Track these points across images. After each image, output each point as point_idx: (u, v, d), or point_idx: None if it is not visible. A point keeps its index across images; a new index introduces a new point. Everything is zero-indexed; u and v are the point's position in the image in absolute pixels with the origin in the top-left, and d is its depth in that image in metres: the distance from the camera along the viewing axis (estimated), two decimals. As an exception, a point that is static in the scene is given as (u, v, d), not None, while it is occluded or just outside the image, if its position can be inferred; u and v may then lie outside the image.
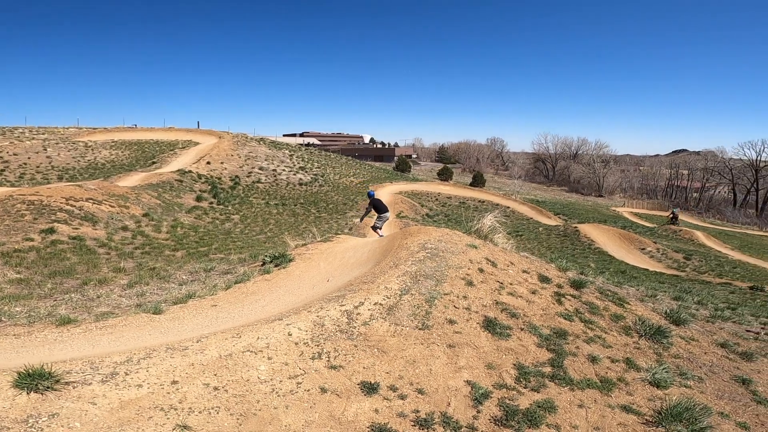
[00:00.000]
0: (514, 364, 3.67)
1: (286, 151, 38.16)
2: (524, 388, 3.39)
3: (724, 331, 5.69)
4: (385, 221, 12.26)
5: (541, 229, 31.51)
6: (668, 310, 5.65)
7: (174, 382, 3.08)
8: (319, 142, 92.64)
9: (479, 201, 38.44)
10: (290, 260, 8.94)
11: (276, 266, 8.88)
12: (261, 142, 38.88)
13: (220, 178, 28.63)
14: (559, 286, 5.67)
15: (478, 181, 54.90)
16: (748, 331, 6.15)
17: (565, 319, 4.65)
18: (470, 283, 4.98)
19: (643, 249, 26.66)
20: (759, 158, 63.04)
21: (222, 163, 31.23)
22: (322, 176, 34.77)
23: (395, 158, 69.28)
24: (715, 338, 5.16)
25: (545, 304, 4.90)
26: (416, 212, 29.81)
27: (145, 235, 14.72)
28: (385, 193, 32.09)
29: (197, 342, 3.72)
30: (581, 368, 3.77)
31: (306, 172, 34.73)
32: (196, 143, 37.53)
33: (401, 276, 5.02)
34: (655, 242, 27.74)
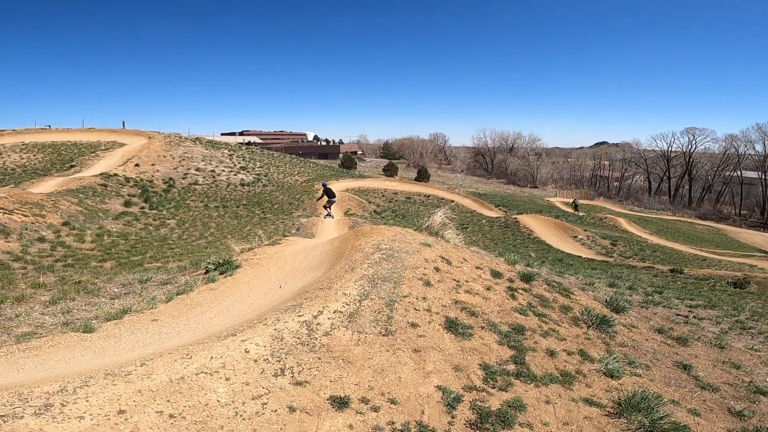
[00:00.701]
0: (480, 365, 3.71)
1: (225, 151, 36.29)
2: (493, 388, 3.42)
3: (657, 316, 6.20)
4: (332, 204, 19.48)
5: (484, 221, 32.82)
6: (608, 299, 6.05)
7: (121, 412, 2.73)
8: (260, 141, 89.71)
9: (425, 196, 39.22)
10: (237, 267, 8.46)
11: (221, 274, 8.36)
12: (197, 142, 36.62)
13: (151, 181, 26.52)
14: (511, 281, 5.86)
15: (422, 176, 56.05)
16: (678, 315, 6.76)
17: (521, 314, 4.79)
18: (428, 284, 4.97)
19: (576, 237, 28.76)
20: (670, 149, 70.51)
21: (153, 164, 28.96)
22: (265, 176, 33.51)
23: (340, 155, 68.83)
24: (651, 324, 5.61)
25: (501, 300, 5.03)
26: (364, 209, 29.74)
27: (67, 245, 13.20)
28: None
29: (142, 365, 3.33)
30: (542, 363, 3.90)
31: (248, 171, 33.27)
32: (122, 144, 34.49)
33: (359, 280, 4.89)
34: (585, 230, 30.05)
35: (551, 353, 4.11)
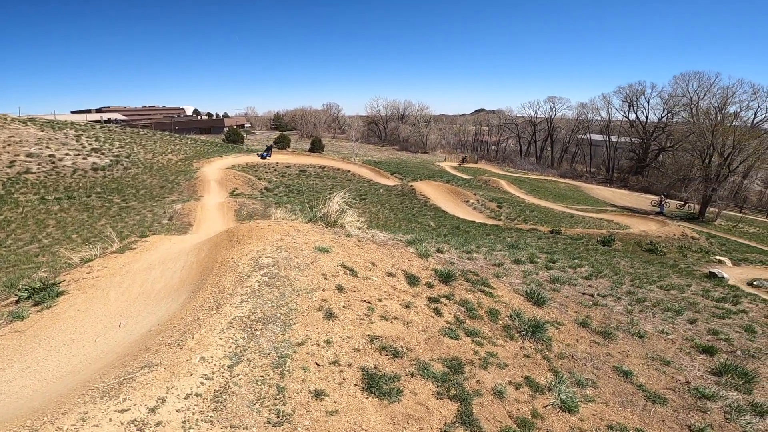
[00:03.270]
0: (419, 449, 2.60)
1: (71, 131, 29.21)
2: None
3: (570, 300, 5.88)
4: None
5: (381, 190, 32.38)
6: (527, 291, 5.51)
7: None
8: (124, 117, 77.03)
9: (320, 167, 37.26)
10: (60, 293, 6.09)
11: (36, 305, 5.95)
12: (29, 123, 28.73)
13: (-49, 169, 19.88)
14: (430, 285, 4.88)
15: (317, 147, 53.56)
16: (583, 294, 6.59)
17: (452, 337, 3.82)
18: (331, 315, 3.66)
19: (467, 201, 30.16)
20: (535, 115, 78.84)
21: (-47, 147, 21.77)
22: (127, 157, 27.94)
23: (225, 129, 62.15)
24: (571, 315, 5.18)
25: (425, 321, 3.98)
26: (253, 187, 26.81)
27: None
28: (214, 169, 27.82)
29: None
30: (493, 413, 2.96)
31: (102, 154, 27.31)
32: None
33: (228, 328, 3.34)
34: (474, 194, 31.71)
35: (499, 394, 3.20)
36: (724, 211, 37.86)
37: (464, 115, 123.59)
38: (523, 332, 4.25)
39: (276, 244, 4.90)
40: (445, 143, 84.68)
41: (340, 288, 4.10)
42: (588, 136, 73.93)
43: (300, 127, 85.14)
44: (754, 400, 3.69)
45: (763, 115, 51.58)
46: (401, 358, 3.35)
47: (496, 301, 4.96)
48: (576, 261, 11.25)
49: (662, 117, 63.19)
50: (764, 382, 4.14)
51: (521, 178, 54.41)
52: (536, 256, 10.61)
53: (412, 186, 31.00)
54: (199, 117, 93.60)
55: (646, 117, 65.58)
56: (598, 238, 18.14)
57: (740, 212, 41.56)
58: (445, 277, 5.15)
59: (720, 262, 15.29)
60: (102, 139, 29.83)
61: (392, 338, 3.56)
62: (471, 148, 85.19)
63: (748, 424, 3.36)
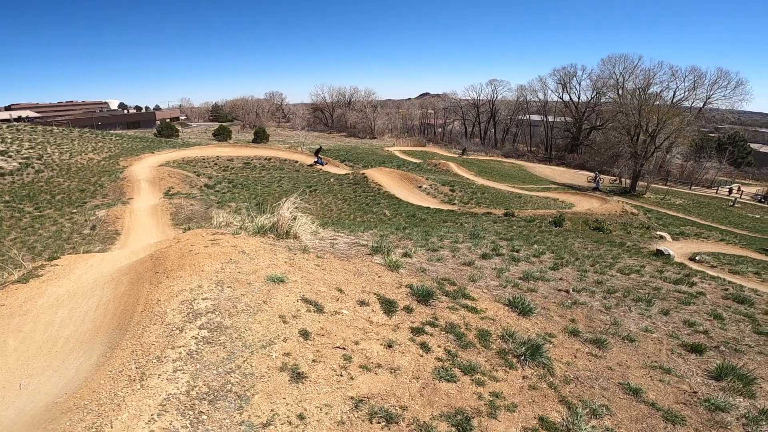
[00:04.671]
0: None
1: (-36, 128, 25.03)
2: None
3: (549, 301, 5.56)
4: None
5: (332, 180, 31.26)
6: (511, 300, 5.07)
7: None
8: (37, 115, 68.83)
9: (266, 159, 35.22)
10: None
11: None
12: None
13: None
14: (409, 310, 4.24)
15: (261, 137, 50.85)
16: (559, 290, 6.32)
17: (448, 381, 3.21)
18: (298, 376, 2.89)
19: (420, 187, 29.95)
20: (478, 98, 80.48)
21: None
22: (39, 159, 24.46)
23: (157, 123, 57.14)
24: (558, 323, 4.81)
25: (414, 364, 3.34)
26: (191, 185, 24.61)
27: None
28: (144, 167, 25.15)
29: None
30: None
31: (9, 156, 23.67)
32: None
33: (161, 414, 2.47)
34: (427, 178, 31.58)
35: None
36: (652, 185, 41.02)
37: (410, 99, 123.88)
38: (521, 356, 3.76)
39: (216, 277, 3.98)
40: (393, 128, 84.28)
41: (305, 334, 3.32)
42: (527, 116, 76.84)
43: (242, 117, 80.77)
44: (764, 407, 3.50)
45: (682, 95, 56.34)
46: (397, 423, 2.69)
47: (482, 318, 4.44)
48: (536, 247, 11.24)
49: (592, 98, 66.96)
50: (761, 382, 4.01)
51: (468, 160, 55.41)
52: (499, 245, 10.42)
53: (363, 174, 30.20)
54: (125, 111, 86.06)
55: (579, 98, 69.21)
56: (550, 219, 18.61)
57: (665, 185, 45.31)
58: (424, 296, 4.54)
59: (661, 237, 16.24)
60: (9, 140, 25.93)
61: (381, 396, 2.88)
62: (418, 132, 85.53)
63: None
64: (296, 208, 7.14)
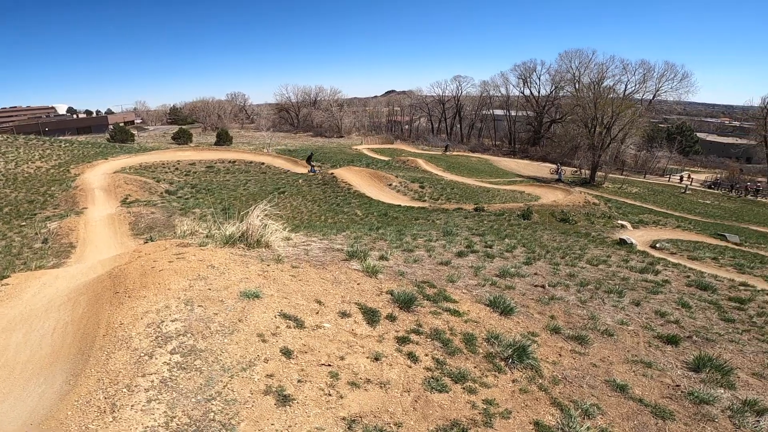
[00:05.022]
0: None
1: None
2: None
3: (527, 298, 5.60)
4: None
5: (300, 181, 30.68)
6: (491, 300, 5.06)
7: None
8: None
9: (230, 162, 34.13)
10: None
11: None
12: None
13: None
14: (392, 319, 4.12)
15: (224, 140, 49.23)
16: (535, 286, 6.39)
17: (440, 391, 3.12)
18: (285, 399, 2.71)
19: (390, 185, 29.90)
20: (444, 94, 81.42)
21: None
22: (-26, 165, 22.54)
23: (110, 127, 54.11)
24: (539, 320, 4.84)
25: (403, 376, 3.22)
26: (151, 191, 23.41)
27: None
28: (98, 174, 23.69)
29: None
30: None
31: (-61, 163, 21.66)
32: None
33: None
34: (396, 176, 31.57)
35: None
36: (609, 175, 42.96)
37: (376, 96, 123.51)
38: (508, 359, 3.73)
39: (184, 296, 3.70)
40: (360, 126, 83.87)
41: (287, 352, 3.13)
42: (491, 111, 78.56)
43: (202, 119, 77.85)
44: (746, 398, 3.62)
45: (633, 87, 59.31)
46: (388, 445, 2.56)
47: (465, 321, 4.39)
48: (507, 241, 11.43)
49: (551, 92, 69.32)
50: (738, 372, 4.17)
51: (436, 156, 55.98)
52: (473, 242, 10.52)
53: (332, 173, 29.82)
54: (74, 116, 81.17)
55: (539, 92, 71.47)
56: (518, 212, 19.05)
57: (622, 174, 47.58)
58: (406, 302, 4.44)
59: (622, 226, 16.98)
60: (-62, 148, 23.73)
61: (373, 414, 2.74)
62: (385, 129, 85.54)
63: (755, 428, 3.25)
64: (266, 215, 6.86)
